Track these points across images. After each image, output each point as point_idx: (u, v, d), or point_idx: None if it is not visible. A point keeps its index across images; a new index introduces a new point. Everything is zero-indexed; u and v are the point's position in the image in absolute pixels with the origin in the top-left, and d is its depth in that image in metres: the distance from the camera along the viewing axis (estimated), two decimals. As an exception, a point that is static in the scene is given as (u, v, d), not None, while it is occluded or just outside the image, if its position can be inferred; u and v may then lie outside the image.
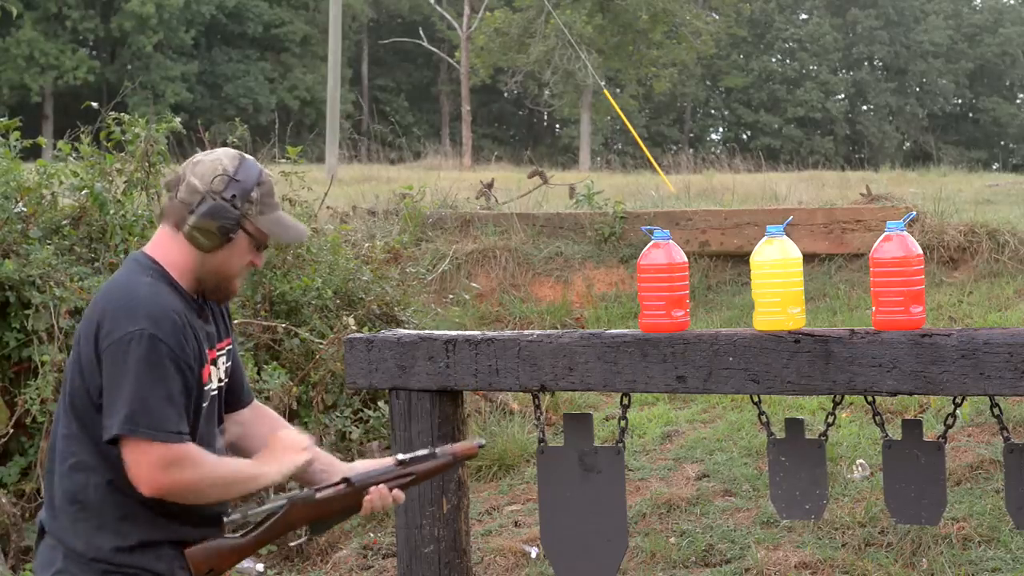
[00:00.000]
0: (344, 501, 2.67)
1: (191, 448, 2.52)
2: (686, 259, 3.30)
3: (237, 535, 2.67)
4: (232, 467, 2.61)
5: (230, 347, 2.79)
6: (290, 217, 2.74)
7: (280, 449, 2.67)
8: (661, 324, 3.25)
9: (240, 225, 2.61)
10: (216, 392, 2.71)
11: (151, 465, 2.46)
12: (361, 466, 2.76)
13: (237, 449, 2.81)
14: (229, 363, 2.79)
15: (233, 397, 2.82)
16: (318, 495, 2.66)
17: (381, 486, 2.69)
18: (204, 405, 2.64)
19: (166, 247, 2.64)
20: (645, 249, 3.28)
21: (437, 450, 2.80)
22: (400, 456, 2.78)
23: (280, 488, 2.88)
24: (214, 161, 2.61)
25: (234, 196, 2.59)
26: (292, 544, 4.13)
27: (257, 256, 2.70)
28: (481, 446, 2.89)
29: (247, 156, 2.68)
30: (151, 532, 2.57)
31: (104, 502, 2.55)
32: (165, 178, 2.71)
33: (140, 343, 2.46)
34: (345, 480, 2.69)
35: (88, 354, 2.52)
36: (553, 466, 3.49)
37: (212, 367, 2.68)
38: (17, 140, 6.26)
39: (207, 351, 2.65)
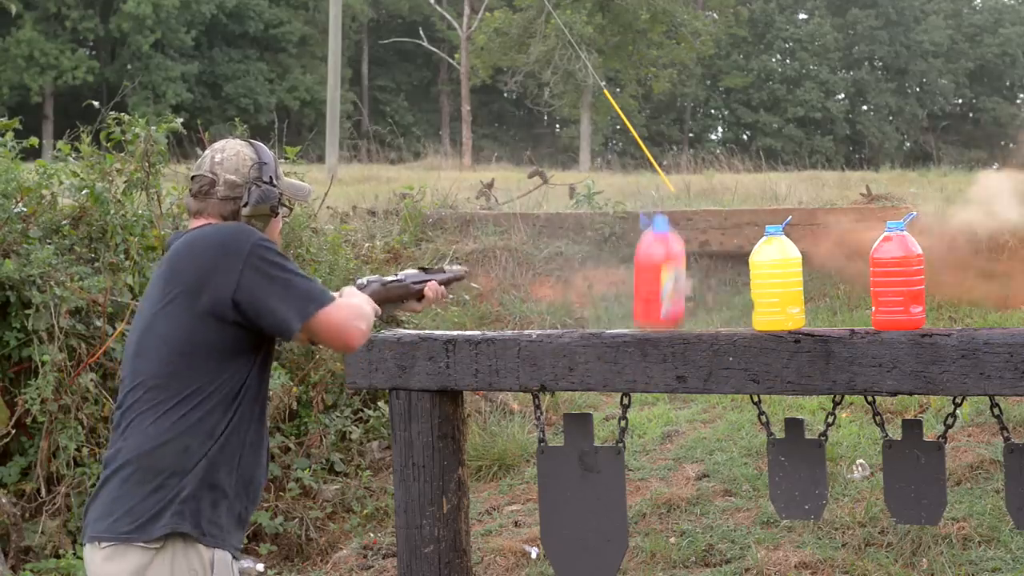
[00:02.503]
0: (402, 291, 3.13)
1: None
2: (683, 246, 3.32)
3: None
4: (364, 302, 2.93)
5: None
6: (294, 179, 3.11)
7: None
8: (652, 321, 3.26)
9: (279, 198, 2.93)
10: None
11: (347, 320, 2.78)
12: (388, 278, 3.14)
13: None
14: None
15: None
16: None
17: (433, 283, 3.14)
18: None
19: None
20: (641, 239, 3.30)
21: (445, 267, 3.26)
22: (424, 266, 3.34)
23: None
24: (236, 155, 2.88)
25: (270, 177, 2.90)
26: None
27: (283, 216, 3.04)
28: (467, 272, 3.38)
29: (249, 139, 2.99)
30: (248, 504, 2.79)
31: (232, 486, 2.72)
32: (192, 188, 2.92)
33: (263, 247, 2.71)
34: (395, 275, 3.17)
35: (222, 295, 2.67)
36: (553, 466, 3.49)
37: None
38: (14, 141, 6.26)
39: None
